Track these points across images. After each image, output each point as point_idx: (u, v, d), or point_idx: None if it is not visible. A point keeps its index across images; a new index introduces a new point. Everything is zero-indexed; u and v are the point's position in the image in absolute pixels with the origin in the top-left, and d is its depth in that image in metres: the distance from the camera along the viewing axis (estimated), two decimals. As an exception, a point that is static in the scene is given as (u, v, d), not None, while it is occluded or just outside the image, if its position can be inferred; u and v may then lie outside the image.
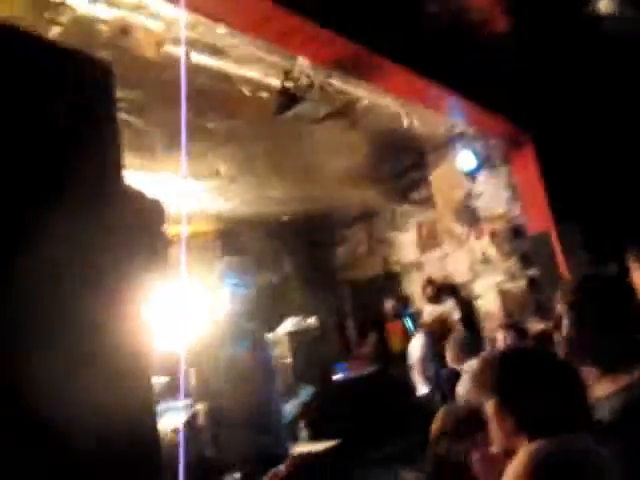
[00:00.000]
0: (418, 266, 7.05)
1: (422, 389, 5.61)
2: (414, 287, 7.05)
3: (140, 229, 1.26)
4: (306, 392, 5.04)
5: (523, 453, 1.33)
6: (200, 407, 3.63)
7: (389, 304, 6.93)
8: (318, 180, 6.19)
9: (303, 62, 3.39)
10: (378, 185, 6.78)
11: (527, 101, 4.87)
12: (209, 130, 4.27)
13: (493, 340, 4.56)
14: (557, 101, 4.87)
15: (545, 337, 5.14)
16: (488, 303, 5.82)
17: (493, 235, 5.75)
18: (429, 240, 6.84)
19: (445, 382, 4.78)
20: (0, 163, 0.90)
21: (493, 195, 5.78)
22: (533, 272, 5.46)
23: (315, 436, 4.74)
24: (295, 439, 4.60)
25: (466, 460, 1.66)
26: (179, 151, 4.13)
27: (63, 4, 2.52)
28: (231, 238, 6.95)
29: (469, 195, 5.97)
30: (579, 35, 4.42)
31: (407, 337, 6.43)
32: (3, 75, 0.92)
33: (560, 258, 4.97)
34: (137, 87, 3.36)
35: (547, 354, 1.63)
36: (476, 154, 5.67)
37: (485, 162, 5.78)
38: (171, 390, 3.87)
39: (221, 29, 3.02)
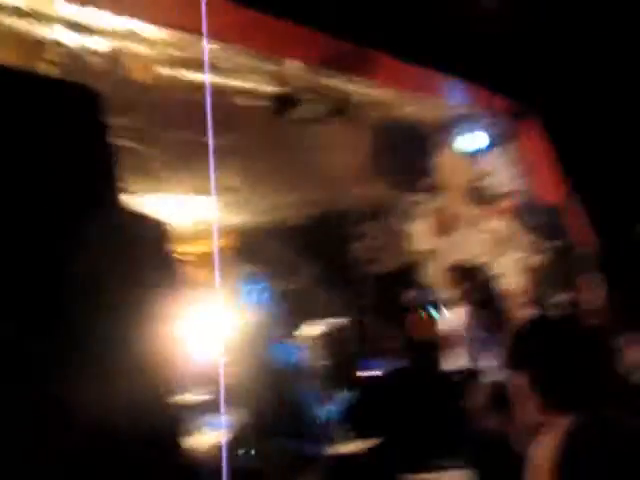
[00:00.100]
0: (436, 253, 7.02)
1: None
2: (434, 275, 7.02)
3: (143, 249, 1.28)
4: (342, 396, 5.03)
5: (556, 429, 1.31)
6: (237, 418, 3.66)
7: (411, 295, 6.91)
8: (326, 181, 6.19)
9: (294, 65, 3.40)
10: (386, 178, 6.76)
11: (529, 75, 4.82)
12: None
13: (520, 317, 4.52)
14: (559, 72, 4.82)
15: (573, 308, 5.09)
16: (511, 281, 5.77)
17: (506, 212, 5.71)
18: (444, 226, 6.81)
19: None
20: None
21: (502, 173, 5.74)
22: (553, 244, 5.40)
23: (354, 436, 4.74)
24: (332, 441, 4.60)
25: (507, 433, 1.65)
26: (184, 170, 4.17)
27: (53, 41, 2.56)
28: (249, 249, 6.98)
29: (478, 176, 5.93)
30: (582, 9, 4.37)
31: (432, 326, 6.40)
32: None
33: (576, 229, 4.93)
34: (133, 112, 3.39)
35: (574, 324, 1.60)
36: (484, 132, 5.62)
37: (493, 140, 5.73)
38: (210, 405, 3.90)
39: (210, 44, 3.04)
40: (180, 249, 5.03)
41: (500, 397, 1.72)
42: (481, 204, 5.95)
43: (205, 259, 5.39)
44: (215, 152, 4.43)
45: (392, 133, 5.38)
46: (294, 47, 3.16)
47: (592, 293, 1.69)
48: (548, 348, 1.46)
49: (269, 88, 3.58)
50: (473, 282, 4.22)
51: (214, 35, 2.94)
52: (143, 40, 2.88)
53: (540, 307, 3.85)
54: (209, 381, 3.71)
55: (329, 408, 4.69)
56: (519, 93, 4.94)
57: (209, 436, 4.04)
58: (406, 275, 7.46)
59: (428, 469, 3.66)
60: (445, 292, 6.43)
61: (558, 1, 4.35)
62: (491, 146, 5.76)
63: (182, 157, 3.81)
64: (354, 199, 7.37)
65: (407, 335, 6.89)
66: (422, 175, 6.90)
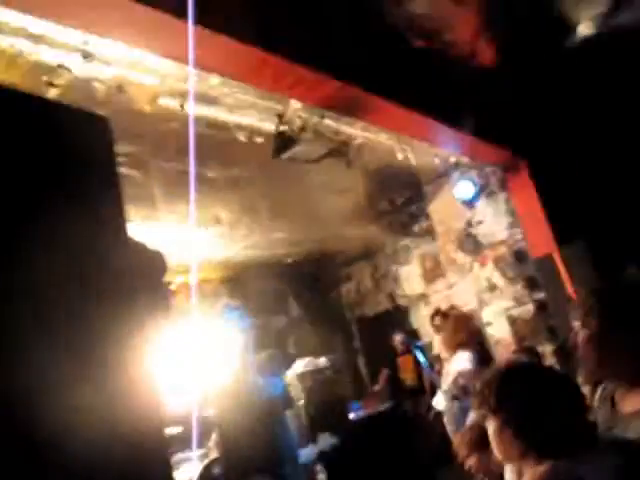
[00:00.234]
0: (424, 298, 7.04)
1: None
2: (422, 319, 7.02)
3: (142, 279, 1.29)
4: (325, 440, 4.96)
5: (533, 474, 1.31)
6: (215, 455, 3.59)
7: (398, 338, 6.89)
8: (319, 220, 6.24)
9: (295, 105, 3.47)
10: (378, 220, 6.82)
11: (520, 127, 4.95)
12: (209, 178, 4.34)
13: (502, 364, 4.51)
14: (550, 125, 4.95)
15: (558, 358, 5.10)
16: (498, 330, 5.78)
17: (497, 261, 5.76)
18: (433, 271, 6.85)
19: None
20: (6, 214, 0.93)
21: (493, 222, 5.81)
22: (540, 296, 5.44)
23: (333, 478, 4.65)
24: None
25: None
26: (179, 200, 4.19)
27: (60, 67, 2.60)
28: (237, 283, 6.97)
29: (469, 223, 6.00)
30: (565, 61, 4.53)
31: (418, 370, 6.37)
32: (7, 136, 0.96)
33: (566, 280, 4.97)
34: (134, 141, 3.44)
35: (547, 369, 1.61)
36: (473, 183, 5.73)
37: (483, 189, 5.83)
38: (185, 440, 3.82)
39: (214, 79, 3.10)
40: (169, 278, 5.01)
41: (483, 438, 1.71)
42: (471, 252, 6.00)
43: (189, 289, 5.38)
44: (212, 184, 4.48)
45: (387, 177, 5.46)
46: (297, 87, 3.23)
47: (580, 342, 1.68)
48: (526, 393, 1.46)
49: (270, 126, 3.64)
50: (466, 329, 4.22)
51: (218, 70, 3.01)
52: (147, 70, 2.93)
53: (529, 357, 3.85)
54: (185, 415, 3.65)
55: (312, 451, 4.62)
56: (511, 144, 5.04)
57: (183, 472, 3.95)
58: (394, 318, 7.45)
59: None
60: (432, 336, 6.42)
61: (549, 63, 4.50)
62: (483, 195, 5.85)
63: (179, 187, 3.84)
64: (345, 240, 7.42)
65: (393, 379, 6.85)
66: (414, 220, 6.98)
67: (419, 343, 6.78)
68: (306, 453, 4.44)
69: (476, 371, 4.22)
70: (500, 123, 4.73)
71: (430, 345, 6.52)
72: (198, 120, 3.50)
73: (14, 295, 0.92)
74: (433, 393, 5.76)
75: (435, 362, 5.98)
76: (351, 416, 6.14)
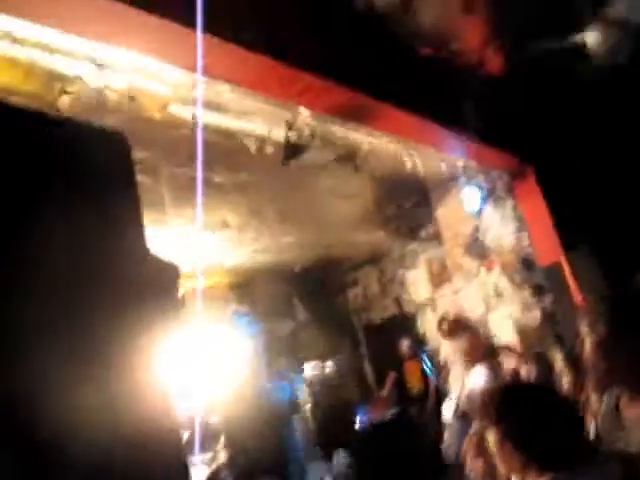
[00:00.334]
0: (431, 304, 7.04)
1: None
2: (429, 325, 7.02)
3: (154, 287, 1.31)
4: (339, 459, 4.94)
5: None
6: (222, 459, 3.61)
7: (405, 344, 6.89)
8: (326, 225, 6.27)
9: (304, 112, 3.49)
10: (385, 226, 6.84)
11: (528, 134, 4.95)
12: (217, 183, 4.37)
13: (513, 372, 4.52)
14: (557, 131, 4.95)
15: (566, 365, 5.08)
16: (504, 335, 5.77)
17: (504, 267, 5.75)
18: (440, 277, 6.85)
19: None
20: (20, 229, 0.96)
21: (500, 228, 5.80)
22: (547, 303, 5.43)
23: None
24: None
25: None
26: (187, 204, 4.23)
27: (73, 75, 2.64)
28: (245, 289, 7.00)
29: (476, 229, 6.00)
30: (572, 70, 4.54)
31: (425, 376, 6.37)
32: (22, 157, 1.00)
33: (574, 287, 4.96)
34: (145, 147, 3.48)
35: (545, 389, 1.64)
36: (480, 188, 5.73)
37: (490, 195, 5.83)
38: (191, 444, 3.85)
39: (223, 86, 3.14)
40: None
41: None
42: (478, 257, 6.00)
43: (198, 294, 5.40)
44: (220, 189, 4.51)
45: (395, 182, 5.47)
46: (305, 94, 3.25)
47: (589, 349, 1.69)
48: (526, 409, 1.49)
49: (279, 133, 3.67)
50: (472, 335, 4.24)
51: (227, 78, 3.04)
52: (159, 79, 2.97)
53: (536, 363, 3.85)
54: (192, 419, 3.67)
55: (324, 465, 4.62)
56: (518, 151, 5.05)
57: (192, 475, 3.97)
58: (401, 324, 7.45)
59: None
60: (439, 342, 6.42)
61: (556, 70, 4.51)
62: (490, 201, 5.85)
63: (188, 192, 3.88)
64: (353, 245, 7.43)
65: (399, 384, 6.85)
66: (421, 225, 6.99)
67: (426, 349, 6.79)
68: (319, 469, 4.41)
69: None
70: (507, 129, 4.74)
71: (437, 351, 6.52)
72: (207, 127, 3.54)
73: (13, 296, 0.95)
74: (438, 399, 5.77)
75: (441, 368, 5.98)
76: (357, 423, 6.13)
